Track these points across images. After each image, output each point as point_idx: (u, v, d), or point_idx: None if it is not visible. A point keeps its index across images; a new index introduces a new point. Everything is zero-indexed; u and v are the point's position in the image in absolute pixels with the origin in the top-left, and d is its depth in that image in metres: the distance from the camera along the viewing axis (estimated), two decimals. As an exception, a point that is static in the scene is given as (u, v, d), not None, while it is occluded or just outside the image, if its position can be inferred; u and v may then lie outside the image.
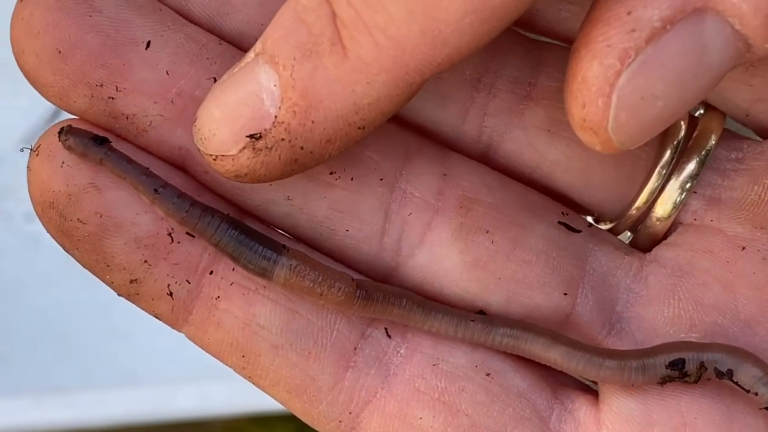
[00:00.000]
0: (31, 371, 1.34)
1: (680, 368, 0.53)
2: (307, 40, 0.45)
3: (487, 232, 0.54)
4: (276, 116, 0.46)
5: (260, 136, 0.47)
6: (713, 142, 0.56)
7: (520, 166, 0.56)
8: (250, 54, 0.47)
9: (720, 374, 0.53)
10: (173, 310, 0.53)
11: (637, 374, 0.53)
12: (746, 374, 0.53)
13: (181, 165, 0.52)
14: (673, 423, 0.54)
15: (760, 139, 0.57)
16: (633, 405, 0.54)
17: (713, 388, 0.54)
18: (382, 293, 0.53)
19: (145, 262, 0.51)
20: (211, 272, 0.52)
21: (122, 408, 1.29)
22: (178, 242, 0.52)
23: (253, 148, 0.47)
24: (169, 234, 0.52)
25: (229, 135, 0.47)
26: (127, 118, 0.51)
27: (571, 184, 0.56)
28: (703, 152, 0.56)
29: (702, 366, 0.53)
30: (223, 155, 0.47)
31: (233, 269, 0.52)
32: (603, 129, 0.45)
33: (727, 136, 0.57)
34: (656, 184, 0.56)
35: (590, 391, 0.56)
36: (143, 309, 0.53)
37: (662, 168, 0.56)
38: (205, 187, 0.53)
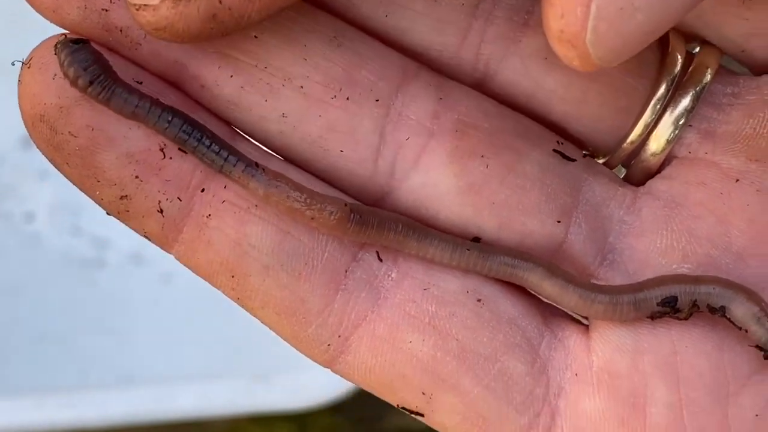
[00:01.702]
0: (31, 371, 1.33)
1: (672, 305, 0.52)
2: None
3: (482, 156, 0.53)
4: None
5: None
6: (709, 77, 0.55)
7: (517, 95, 0.55)
8: None
9: (713, 310, 0.52)
10: (163, 228, 0.51)
11: (629, 311, 0.53)
12: (739, 310, 0.52)
13: (176, 81, 0.51)
14: (663, 351, 0.53)
15: (755, 76, 0.56)
16: (624, 333, 0.53)
17: (705, 318, 0.53)
18: (377, 218, 0.52)
19: (137, 177, 0.50)
20: (203, 190, 0.51)
21: (122, 408, 1.28)
22: (170, 158, 0.51)
23: None
24: (162, 149, 0.50)
25: None
26: (120, 30, 0.50)
27: (566, 113, 0.55)
28: (699, 87, 0.55)
29: (694, 304, 0.53)
30: (145, 5, 0.46)
31: (225, 187, 0.51)
32: (581, 41, 0.44)
33: (723, 72, 0.56)
34: (651, 118, 0.55)
35: (580, 320, 0.55)
36: (133, 227, 0.52)
37: (657, 101, 0.55)
38: (199, 104, 0.52)
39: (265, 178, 0.50)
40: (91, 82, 0.49)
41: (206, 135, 0.50)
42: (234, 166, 0.50)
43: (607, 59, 0.45)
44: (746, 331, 0.52)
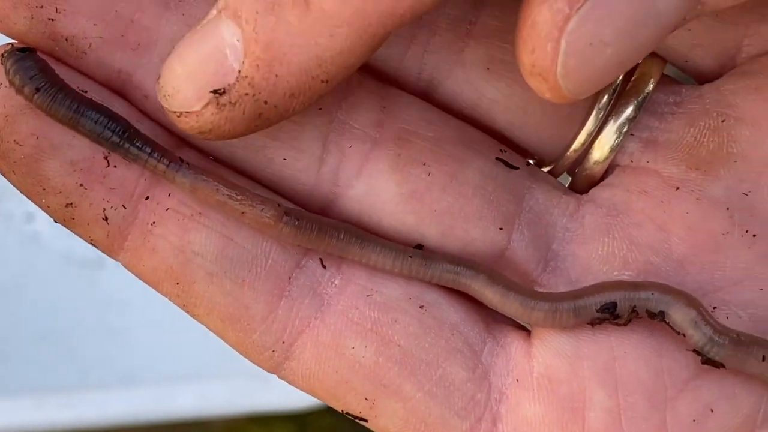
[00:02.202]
0: (31, 371, 1.34)
1: (611, 311, 0.53)
2: None
3: (424, 164, 0.54)
4: (239, 71, 0.46)
5: (224, 92, 0.47)
6: (651, 87, 0.55)
7: (460, 104, 0.55)
8: (213, 11, 0.47)
9: (652, 315, 0.52)
10: (108, 236, 0.52)
11: (569, 317, 0.53)
12: (677, 315, 0.53)
13: (121, 90, 0.52)
14: (603, 357, 0.53)
15: (698, 85, 0.56)
16: (564, 339, 0.54)
17: (644, 324, 0.53)
18: (317, 224, 0.52)
19: (81, 185, 0.51)
20: (147, 198, 0.52)
21: (122, 408, 1.28)
22: (114, 166, 0.51)
23: (217, 104, 0.47)
24: (105, 158, 0.51)
25: (192, 91, 0.47)
26: (66, 40, 0.51)
27: (509, 123, 0.55)
28: (641, 96, 0.55)
29: (633, 310, 0.53)
30: (187, 112, 0.48)
31: (169, 195, 0.52)
32: (552, 75, 0.45)
33: (666, 81, 0.56)
34: (594, 127, 0.55)
35: (523, 326, 0.56)
36: (79, 235, 0.52)
37: (600, 110, 0.55)
38: (144, 113, 0.53)
39: (192, 173, 0.50)
40: (37, 90, 0.49)
41: (131, 133, 0.50)
42: (158, 161, 0.50)
43: (578, 92, 0.45)
44: (684, 335, 0.52)
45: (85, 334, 1.33)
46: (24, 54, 0.50)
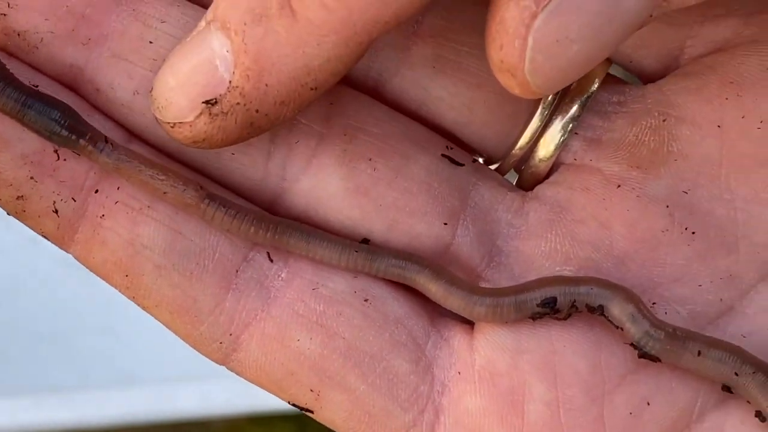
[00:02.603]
0: (31, 371, 1.35)
1: (551, 306, 0.54)
2: (257, 4, 0.46)
3: (370, 159, 0.55)
4: (230, 81, 0.48)
5: (216, 102, 0.48)
6: (595, 86, 0.56)
7: (408, 102, 0.56)
8: (202, 22, 0.49)
9: (591, 309, 0.53)
10: (59, 228, 0.53)
11: (510, 312, 0.54)
12: (616, 309, 0.53)
13: (72, 84, 0.53)
14: (542, 351, 0.54)
15: (642, 85, 0.57)
16: (505, 333, 0.54)
17: (584, 319, 0.54)
18: (238, 209, 0.53)
19: (32, 178, 0.52)
20: (97, 191, 0.53)
21: (122, 408, 1.29)
22: (64, 160, 0.52)
23: (210, 114, 0.48)
24: (56, 151, 0.52)
25: (185, 102, 0.49)
26: (18, 34, 0.52)
27: (455, 120, 0.56)
28: (586, 95, 0.56)
29: (573, 305, 0.54)
30: (180, 122, 0.49)
31: (118, 188, 0.53)
32: (520, 71, 0.45)
33: (611, 80, 0.57)
34: (538, 125, 0.56)
35: (466, 320, 0.57)
36: (31, 227, 0.53)
37: (544, 109, 0.56)
38: (94, 107, 0.54)
39: (115, 153, 0.51)
40: None
41: (56, 110, 0.51)
42: (81, 140, 0.51)
43: (546, 87, 0.46)
44: (622, 329, 0.53)
45: (85, 334, 1.33)
46: None
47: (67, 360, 1.34)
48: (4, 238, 1.30)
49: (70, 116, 0.52)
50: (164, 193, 0.52)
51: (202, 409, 1.31)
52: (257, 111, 0.47)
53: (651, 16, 0.46)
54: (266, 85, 0.46)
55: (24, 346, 1.34)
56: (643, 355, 0.53)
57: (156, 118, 0.49)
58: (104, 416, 1.31)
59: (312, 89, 0.47)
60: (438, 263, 0.55)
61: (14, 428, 1.31)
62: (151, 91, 0.49)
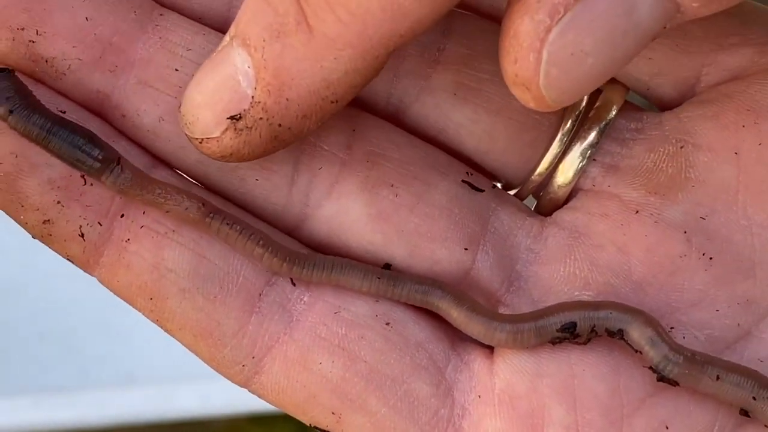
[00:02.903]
0: (31, 371, 1.35)
1: (571, 330, 0.55)
2: (274, 20, 0.47)
3: (392, 185, 0.55)
4: (253, 96, 0.48)
5: (240, 117, 0.49)
6: (613, 113, 0.57)
7: (428, 128, 0.57)
8: (226, 38, 0.49)
9: (611, 333, 0.54)
10: (84, 252, 0.53)
11: (530, 338, 0.54)
12: (635, 333, 0.54)
13: (99, 110, 0.54)
14: (562, 375, 0.55)
15: (660, 112, 0.58)
16: (525, 357, 0.55)
17: (603, 343, 0.54)
18: (242, 225, 0.54)
19: (58, 203, 0.53)
20: (123, 215, 0.53)
21: (122, 408, 1.30)
22: (91, 185, 0.53)
23: (235, 129, 0.49)
24: (82, 176, 0.52)
25: (211, 118, 0.50)
26: (46, 61, 0.52)
27: (476, 147, 0.57)
28: (604, 122, 0.57)
29: (593, 330, 0.55)
30: (208, 138, 0.50)
31: (144, 213, 0.53)
32: (535, 85, 0.46)
33: (628, 107, 0.57)
34: (557, 151, 0.57)
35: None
36: (56, 251, 0.54)
37: (563, 136, 0.57)
38: (120, 132, 0.54)
39: (118, 174, 0.52)
40: (10, 111, 0.51)
41: (77, 136, 0.52)
42: (89, 162, 0.52)
43: (561, 100, 0.47)
44: (641, 353, 0.53)
45: (85, 334, 1.34)
46: (1, 75, 0.51)
47: (67, 360, 1.34)
48: (4, 238, 1.30)
49: (88, 141, 0.53)
50: (167, 211, 0.53)
51: (202, 409, 1.31)
52: (280, 125, 0.48)
53: (665, 27, 0.47)
54: (287, 99, 0.47)
55: (24, 346, 1.34)
56: (662, 378, 0.54)
57: (185, 135, 0.50)
58: (104, 416, 1.31)
59: (332, 102, 0.48)
60: (459, 289, 0.56)
61: (14, 428, 1.31)
62: (179, 108, 0.50)
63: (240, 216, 0.55)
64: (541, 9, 0.45)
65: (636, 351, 0.54)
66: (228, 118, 0.48)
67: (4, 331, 1.33)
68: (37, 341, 1.34)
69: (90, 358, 1.34)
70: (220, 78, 0.48)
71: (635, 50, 0.47)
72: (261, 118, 0.48)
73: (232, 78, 0.48)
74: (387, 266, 0.55)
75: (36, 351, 1.34)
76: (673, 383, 0.54)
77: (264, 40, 0.47)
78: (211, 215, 0.53)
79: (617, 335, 0.54)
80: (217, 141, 0.49)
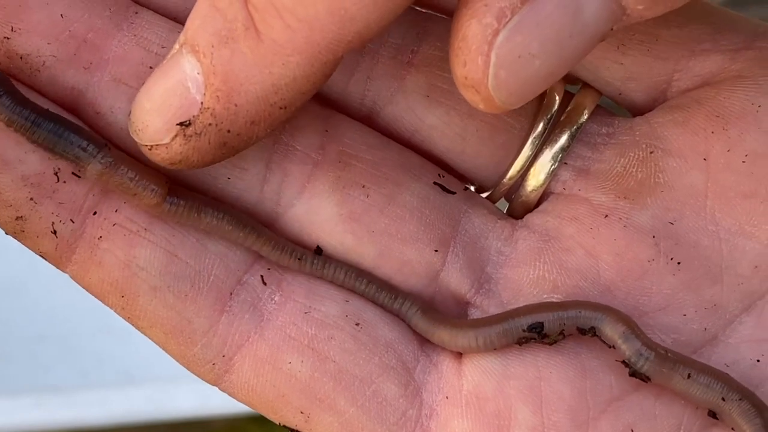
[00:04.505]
0: (31, 371, 1.36)
1: (538, 330, 0.55)
2: (223, 26, 0.47)
3: (363, 186, 0.55)
4: (202, 103, 0.48)
5: (189, 123, 0.49)
6: (585, 117, 0.57)
7: (401, 130, 0.57)
8: (176, 45, 0.49)
9: (582, 331, 0.54)
10: (57, 249, 0.54)
11: (496, 340, 0.55)
12: (608, 328, 0.53)
13: (73, 106, 0.53)
14: (529, 376, 0.55)
15: (631, 117, 0.58)
16: (492, 359, 0.55)
17: (570, 346, 0.54)
18: (196, 203, 0.54)
19: (31, 199, 0.53)
20: (95, 213, 0.53)
21: (122, 407, 1.30)
22: (64, 182, 0.53)
23: (184, 135, 0.49)
24: (56, 173, 0.52)
25: (161, 124, 0.50)
26: (21, 57, 0.52)
27: (447, 149, 0.57)
28: (575, 126, 0.57)
29: (562, 331, 0.55)
30: (157, 144, 0.50)
31: (116, 211, 0.53)
32: (484, 87, 0.46)
33: (600, 112, 0.57)
34: (529, 154, 0.56)
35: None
36: (29, 247, 0.53)
37: (535, 139, 0.56)
38: (94, 129, 0.54)
39: (101, 159, 0.52)
40: None
41: (42, 118, 0.52)
42: (68, 147, 0.52)
43: (510, 102, 0.47)
44: (614, 347, 0.53)
45: (85, 334, 1.34)
46: None
47: (67, 360, 1.34)
48: (4, 238, 1.30)
49: (74, 130, 0.53)
50: (134, 194, 0.53)
51: (202, 409, 1.31)
52: (229, 131, 0.48)
53: (612, 29, 0.47)
54: (236, 105, 0.47)
55: (25, 346, 1.35)
56: (634, 373, 0.53)
57: (136, 142, 0.49)
58: (104, 416, 1.31)
59: (281, 108, 0.48)
60: (426, 302, 0.56)
61: (15, 428, 1.32)
62: (129, 115, 0.50)
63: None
64: (488, 12, 0.46)
65: (609, 346, 0.53)
66: (177, 125, 0.48)
67: (4, 331, 1.33)
68: (37, 341, 1.34)
69: (90, 357, 1.34)
70: (170, 84, 0.48)
71: (582, 52, 0.47)
72: (210, 124, 0.48)
73: (182, 84, 0.48)
74: (318, 251, 0.56)
75: (36, 351, 1.34)
76: (645, 379, 0.53)
77: (213, 46, 0.47)
78: (172, 198, 0.54)
79: (589, 333, 0.54)
80: (167, 147, 0.49)
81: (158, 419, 1.30)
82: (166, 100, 0.49)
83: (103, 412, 1.29)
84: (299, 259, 0.55)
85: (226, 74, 0.47)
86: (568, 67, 0.47)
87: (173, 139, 0.49)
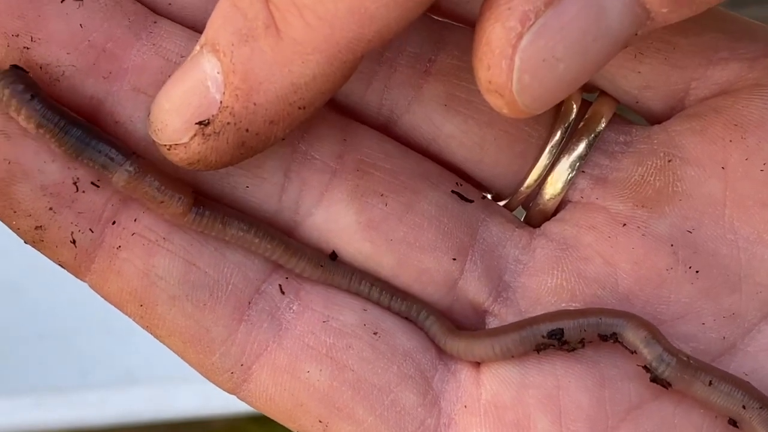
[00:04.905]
0: (31, 371, 1.36)
1: (558, 337, 0.55)
2: (243, 25, 0.47)
3: (382, 195, 0.55)
4: (221, 101, 0.48)
5: (208, 122, 0.49)
6: (602, 126, 0.57)
7: (419, 138, 0.57)
8: (196, 47, 0.49)
9: (604, 338, 0.53)
10: (76, 258, 0.53)
11: (513, 347, 0.55)
12: (630, 334, 0.53)
13: (92, 116, 0.53)
14: (547, 386, 0.55)
15: (649, 125, 0.58)
16: (511, 368, 0.55)
17: (589, 355, 0.54)
18: (221, 213, 0.54)
19: (50, 209, 0.52)
20: (114, 222, 0.53)
21: (122, 408, 1.30)
22: (83, 192, 0.53)
23: (203, 134, 0.49)
24: (75, 183, 0.52)
25: (179, 124, 0.50)
26: (40, 67, 0.52)
27: (465, 158, 0.57)
28: (593, 135, 0.57)
29: (581, 340, 0.54)
30: (176, 144, 0.50)
31: (135, 220, 0.53)
32: (508, 91, 0.46)
33: (617, 120, 0.57)
34: (546, 163, 0.56)
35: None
36: (48, 256, 0.53)
37: (552, 148, 0.56)
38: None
39: (128, 167, 0.52)
40: (32, 97, 0.51)
41: (70, 124, 0.52)
42: (95, 155, 0.52)
43: (534, 107, 0.47)
44: (635, 353, 0.53)
45: (85, 334, 1.34)
46: (18, 69, 0.52)
47: (67, 360, 1.34)
48: (4, 238, 1.30)
49: (97, 134, 0.53)
50: (160, 203, 0.53)
51: (202, 409, 1.31)
52: (248, 130, 0.48)
53: (636, 34, 0.47)
54: (255, 104, 0.47)
55: (25, 346, 1.34)
56: (655, 379, 0.53)
57: (154, 142, 0.50)
58: (104, 416, 1.31)
59: (300, 108, 0.48)
60: (442, 313, 0.57)
61: (14, 428, 1.32)
62: (148, 115, 0.50)
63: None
64: (512, 16, 0.46)
65: (631, 352, 0.53)
66: (196, 124, 0.48)
67: (4, 331, 1.33)
68: (37, 341, 1.34)
69: (90, 358, 1.34)
70: (190, 84, 0.48)
71: (606, 56, 0.47)
72: (229, 123, 0.48)
73: (202, 84, 0.48)
74: (333, 256, 0.56)
75: (36, 351, 1.34)
76: (666, 385, 0.53)
77: (233, 45, 0.47)
78: (197, 208, 0.54)
79: (611, 339, 0.54)
80: (185, 147, 0.49)
81: (158, 419, 1.30)
82: (185, 100, 0.49)
83: (103, 412, 1.29)
84: (328, 271, 0.55)
85: (246, 73, 0.47)
86: (591, 72, 0.47)
87: (192, 138, 0.49)
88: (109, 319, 1.24)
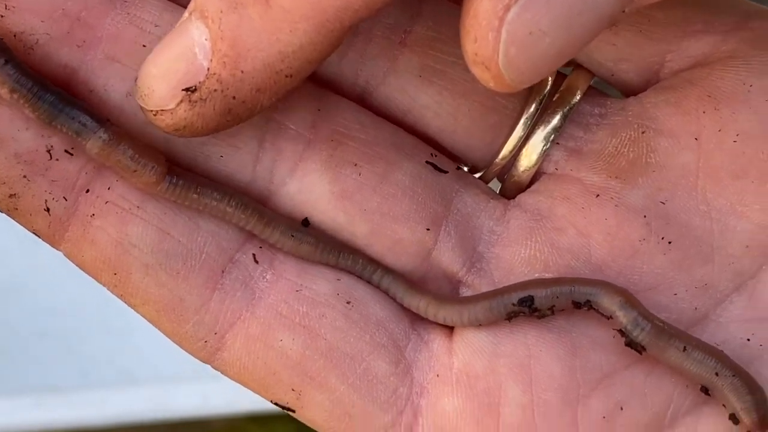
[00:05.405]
0: (32, 371, 1.36)
1: (528, 305, 0.55)
2: None
3: (356, 165, 0.55)
4: (208, 68, 0.48)
5: (195, 89, 0.49)
6: (577, 98, 0.57)
7: (394, 109, 0.57)
8: (185, 14, 0.49)
9: (578, 305, 0.54)
10: (50, 226, 0.53)
11: (482, 315, 0.55)
12: (605, 299, 0.53)
13: (66, 84, 0.53)
14: (519, 355, 0.55)
15: (624, 98, 0.58)
16: (483, 337, 0.55)
17: (561, 324, 0.55)
18: (195, 182, 0.54)
19: (24, 177, 0.53)
20: (88, 191, 0.53)
21: (122, 408, 1.30)
22: (57, 159, 0.53)
23: (189, 101, 0.49)
24: (48, 151, 0.52)
25: (166, 90, 0.49)
26: (14, 35, 0.52)
27: (440, 129, 0.57)
28: (568, 107, 0.57)
29: (552, 307, 0.54)
30: (162, 110, 0.50)
31: (109, 188, 0.53)
32: (494, 64, 0.46)
33: (593, 93, 0.57)
34: (521, 135, 0.56)
35: (446, 323, 0.58)
36: (22, 224, 0.53)
37: (527, 120, 0.56)
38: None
39: (102, 134, 0.52)
40: (6, 62, 0.52)
41: (44, 90, 0.52)
42: (69, 121, 0.52)
43: (520, 80, 0.46)
44: (611, 318, 0.53)
45: (85, 334, 1.34)
46: None
47: (67, 360, 1.34)
48: (4, 238, 1.31)
49: (70, 101, 0.53)
50: (133, 171, 0.53)
51: (202, 409, 1.31)
52: (234, 98, 0.48)
53: (624, 11, 0.47)
54: (242, 71, 0.47)
55: (25, 346, 1.34)
56: (630, 343, 0.53)
57: (140, 107, 0.49)
58: (104, 416, 1.31)
59: (287, 76, 0.48)
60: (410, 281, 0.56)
61: (14, 428, 1.32)
62: (135, 81, 0.50)
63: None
64: None
65: (607, 317, 0.54)
66: (183, 90, 0.48)
67: (4, 331, 1.33)
68: (37, 341, 1.34)
69: (90, 358, 1.34)
70: (177, 50, 0.48)
71: (592, 32, 0.47)
72: (215, 90, 0.47)
73: (189, 50, 0.48)
74: (305, 222, 0.56)
75: (36, 351, 1.34)
76: (641, 349, 0.54)
77: (222, 12, 0.47)
78: (171, 177, 0.54)
79: (584, 306, 0.54)
80: (171, 113, 0.48)
81: (158, 419, 1.30)
82: (172, 66, 0.48)
83: (103, 412, 1.29)
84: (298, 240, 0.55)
85: (234, 40, 0.47)
86: (577, 47, 0.47)
87: (178, 104, 0.49)
88: (109, 319, 1.24)
